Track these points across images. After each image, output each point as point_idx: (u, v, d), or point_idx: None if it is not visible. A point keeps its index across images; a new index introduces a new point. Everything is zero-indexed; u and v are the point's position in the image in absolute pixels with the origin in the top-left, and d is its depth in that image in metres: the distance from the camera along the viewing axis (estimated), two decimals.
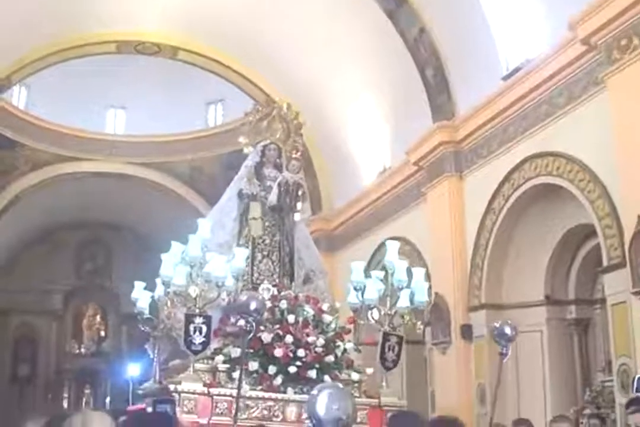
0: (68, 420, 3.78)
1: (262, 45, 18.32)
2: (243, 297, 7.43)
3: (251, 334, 7.20)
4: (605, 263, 10.79)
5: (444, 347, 14.13)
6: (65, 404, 26.50)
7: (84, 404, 26.13)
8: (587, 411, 11.52)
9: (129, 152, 24.02)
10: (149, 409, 7.59)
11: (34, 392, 27.21)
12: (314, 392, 3.98)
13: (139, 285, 9.85)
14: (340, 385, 4.30)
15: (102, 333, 29.12)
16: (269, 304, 8.85)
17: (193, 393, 8.02)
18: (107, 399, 26.11)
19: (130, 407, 7.99)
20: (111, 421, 3.85)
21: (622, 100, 10.32)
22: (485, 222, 13.54)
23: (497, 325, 7.15)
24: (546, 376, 12.95)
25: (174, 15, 18.80)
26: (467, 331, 13.64)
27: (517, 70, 12.83)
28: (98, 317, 29.17)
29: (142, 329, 9.66)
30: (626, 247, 10.02)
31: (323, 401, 3.88)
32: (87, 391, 26.73)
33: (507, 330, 6.99)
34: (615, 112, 10.45)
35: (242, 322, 7.64)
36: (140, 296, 9.70)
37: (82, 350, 28.62)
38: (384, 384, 9.05)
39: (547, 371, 12.96)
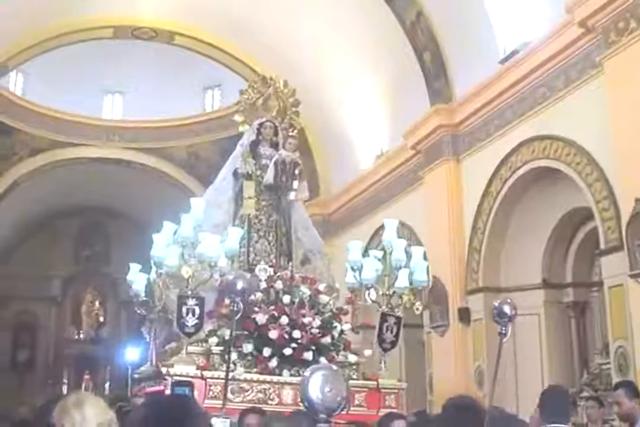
0: (62, 401, 3.75)
1: (259, 29, 18.26)
2: (230, 277, 7.31)
3: (238, 315, 7.13)
4: (602, 246, 10.80)
5: (442, 331, 14.17)
6: (65, 390, 26.55)
7: (83, 389, 26.17)
8: (585, 394, 11.55)
9: (127, 137, 24.01)
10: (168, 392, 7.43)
11: (33, 378, 27.26)
12: (307, 373, 3.83)
13: (134, 267, 9.63)
14: (334, 367, 4.18)
15: (101, 319, 29.15)
16: (264, 284, 8.77)
17: (186, 376, 7.76)
18: (107, 385, 26.16)
19: (149, 389, 7.83)
20: (105, 404, 3.82)
21: (620, 83, 10.31)
22: (482, 205, 13.54)
23: (496, 304, 7.03)
24: (544, 359, 12.98)
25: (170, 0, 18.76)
26: (465, 314, 13.68)
27: (514, 53, 12.81)
28: (97, 303, 29.18)
29: (138, 311, 9.44)
30: (623, 230, 10.05)
31: (316, 383, 3.73)
32: (86, 377, 26.72)
33: (507, 309, 6.82)
34: (613, 95, 10.43)
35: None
36: (136, 278, 9.49)
37: (81, 336, 28.66)
38: (382, 366, 8.86)
39: (544, 353, 12.99)
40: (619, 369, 10.34)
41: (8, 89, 22.30)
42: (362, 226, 17.78)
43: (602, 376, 11.62)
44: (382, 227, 16.33)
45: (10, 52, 18.62)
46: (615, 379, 10.32)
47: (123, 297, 27.33)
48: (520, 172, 12.68)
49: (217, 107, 24.03)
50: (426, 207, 15.11)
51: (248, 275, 7.77)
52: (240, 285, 7.02)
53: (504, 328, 6.84)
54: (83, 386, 26.02)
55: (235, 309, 7.00)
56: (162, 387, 7.71)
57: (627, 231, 9.95)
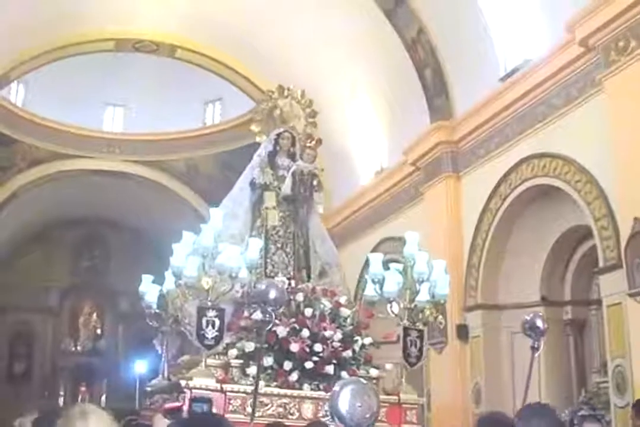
0: (66, 412, 3.73)
1: (260, 44, 18.29)
2: (262, 286, 7.09)
3: (270, 325, 6.96)
4: (601, 264, 10.79)
5: (440, 347, 14.12)
6: (61, 402, 26.46)
7: (79, 401, 26.08)
8: (582, 412, 11.49)
9: (127, 150, 24.04)
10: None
11: (29, 390, 27.14)
12: (336, 388, 3.80)
13: (146, 278, 9.55)
14: (364, 381, 4.11)
15: (98, 331, 29.08)
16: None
17: (205, 389, 7.69)
18: (103, 397, 26.09)
19: (168, 406, 7.70)
20: (109, 417, 3.79)
21: (619, 101, 10.33)
22: (482, 222, 13.54)
23: (528, 318, 6.77)
24: (542, 377, 12.90)
25: (172, 13, 18.78)
26: (463, 331, 13.64)
27: (515, 71, 12.84)
28: (94, 315, 29.13)
29: (150, 324, 9.36)
30: (622, 248, 10.04)
31: (345, 398, 3.71)
32: (82, 389, 26.68)
33: (539, 322, 6.62)
34: (613, 113, 10.45)
35: (258, 314, 7.38)
36: (149, 290, 9.40)
37: (78, 348, 28.59)
38: (402, 380, 8.78)
39: (542, 371, 12.91)
40: (617, 387, 10.32)
41: (9, 100, 22.34)
42: (362, 241, 17.75)
43: (600, 395, 11.57)
44: (381, 242, 16.47)
45: (12, 63, 18.63)
46: (614, 398, 10.31)
47: (121, 309, 27.34)
48: (520, 189, 12.68)
49: (218, 120, 24.08)
50: (426, 224, 15.08)
51: (280, 284, 7.57)
52: (273, 294, 6.84)
53: (536, 342, 6.64)
54: (79, 398, 25.99)
55: (268, 319, 6.89)
56: (180, 403, 7.58)
57: (626, 250, 9.95)
